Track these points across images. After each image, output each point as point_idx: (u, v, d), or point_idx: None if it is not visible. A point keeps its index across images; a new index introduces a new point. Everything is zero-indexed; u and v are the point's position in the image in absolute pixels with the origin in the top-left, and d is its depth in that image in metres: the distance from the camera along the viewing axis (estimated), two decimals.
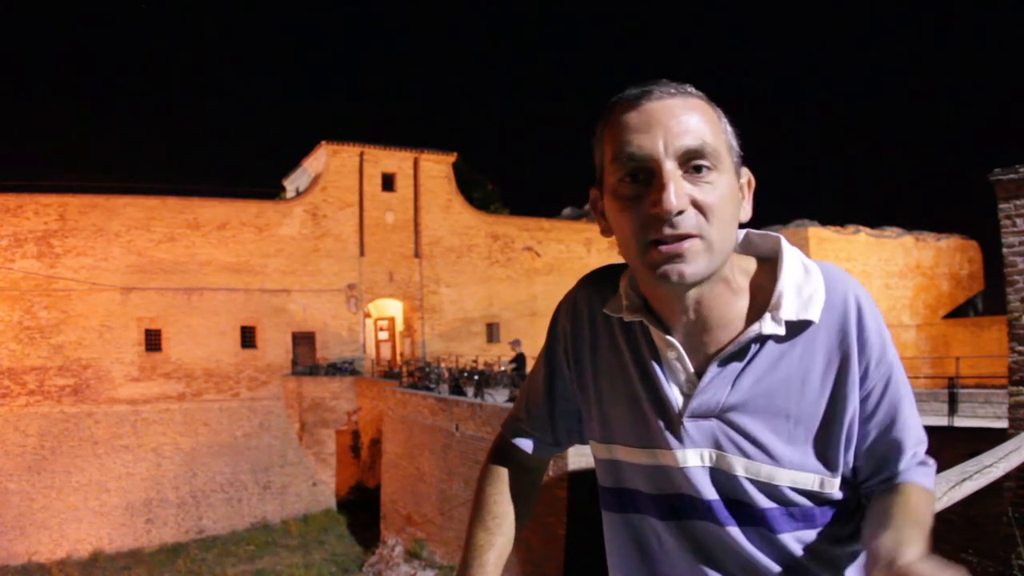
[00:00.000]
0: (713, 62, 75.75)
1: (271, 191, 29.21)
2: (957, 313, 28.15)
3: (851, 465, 0.94)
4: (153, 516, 21.38)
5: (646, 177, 0.86)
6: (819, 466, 0.91)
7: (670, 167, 0.85)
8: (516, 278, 28.42)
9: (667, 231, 0.84)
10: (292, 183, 29.51)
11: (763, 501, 0.91)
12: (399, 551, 17.43)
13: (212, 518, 21.97)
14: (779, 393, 0.91)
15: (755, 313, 0.93)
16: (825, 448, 0.92)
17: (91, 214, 21.94)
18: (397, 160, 26.47)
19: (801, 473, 0.91)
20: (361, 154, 25.75)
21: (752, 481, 0.91)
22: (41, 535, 20.17)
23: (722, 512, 0.93)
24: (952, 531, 7.45)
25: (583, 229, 30.06)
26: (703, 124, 0.87)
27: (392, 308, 27.73)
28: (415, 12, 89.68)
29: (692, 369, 0.94)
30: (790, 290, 0.92)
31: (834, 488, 0.92)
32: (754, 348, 0.92)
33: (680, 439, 0.94)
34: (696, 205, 0.85)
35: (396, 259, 26.19)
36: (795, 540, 0.92)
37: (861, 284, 0.96)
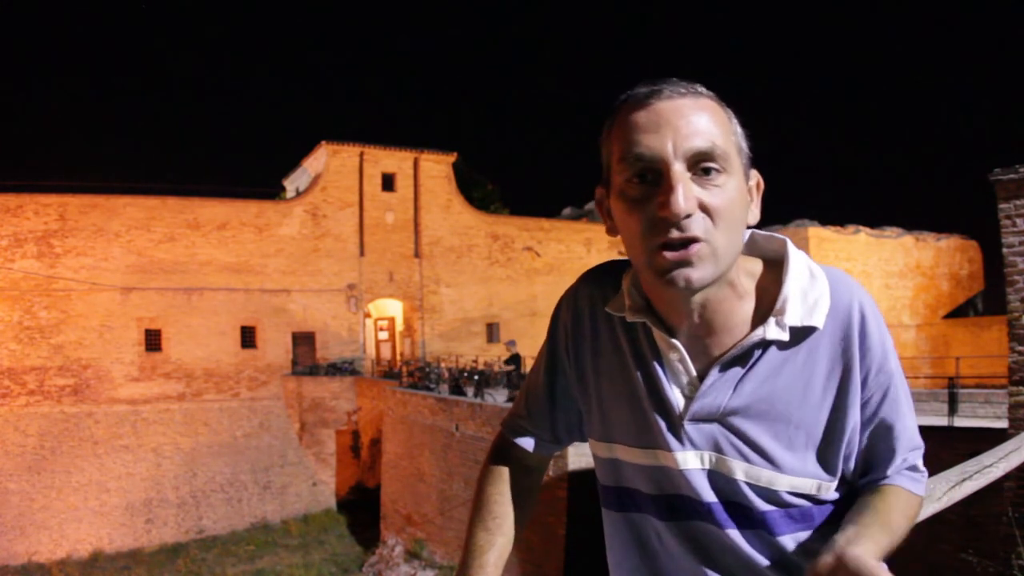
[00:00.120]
0: (713, 62, 75.76)
1: (271, 191, 29.25)
2: (957, 313, 28.14)
3: (849, 468, 0.94)
4: (153, 516, 21.38)
5: (654, 178, 0.85)
6: (819, 471, 0.92)
7: (679, 169, 0.84)
8: (516, 278, 28.42)
9: (674, 234, 0.83)
10: (292, 183, 29.51)
11: (762, 504, 0.92)
12: (399, 551, 17.43)
13: (212, 518, 21.97)
14: (781, 399, 0.91)
15: (759, 317, 0.93)
16: (825, 454, 0.92)
17: (91, 214, 21.93)
18: (397, 160, 26.46)
19: (800, 479, 0.91)
20: (361, 154, 25.75)
21: (751, 485, 0.91)
22: (41, 535, 20.16)
23: (721, 514, 0.93)
24: (952, 531, 7.44)
25: (583, 229, 30.06)
26: (713, 125, 0.86)
27: (392, 308, 27.73)
28: (415, 12, 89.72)
29: (694, 372, 0.94)
30: (795, 295, 0.91)
31: (830, 491, 0.93)
32: (757, 353, 0.92)
33: (680, 441, 0.94)
34: (704, 208, 0.84)
35: (396, 259, 26.19)
36: (793, 541, 0.92)
37: (865, 290, 0.95)
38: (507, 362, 17.17)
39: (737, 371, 0.92)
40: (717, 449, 0.93)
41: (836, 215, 43.58)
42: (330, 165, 25.36)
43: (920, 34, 75.95)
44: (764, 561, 0.92)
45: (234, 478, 22.54)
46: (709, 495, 0.93)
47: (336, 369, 24.44)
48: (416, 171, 26.70)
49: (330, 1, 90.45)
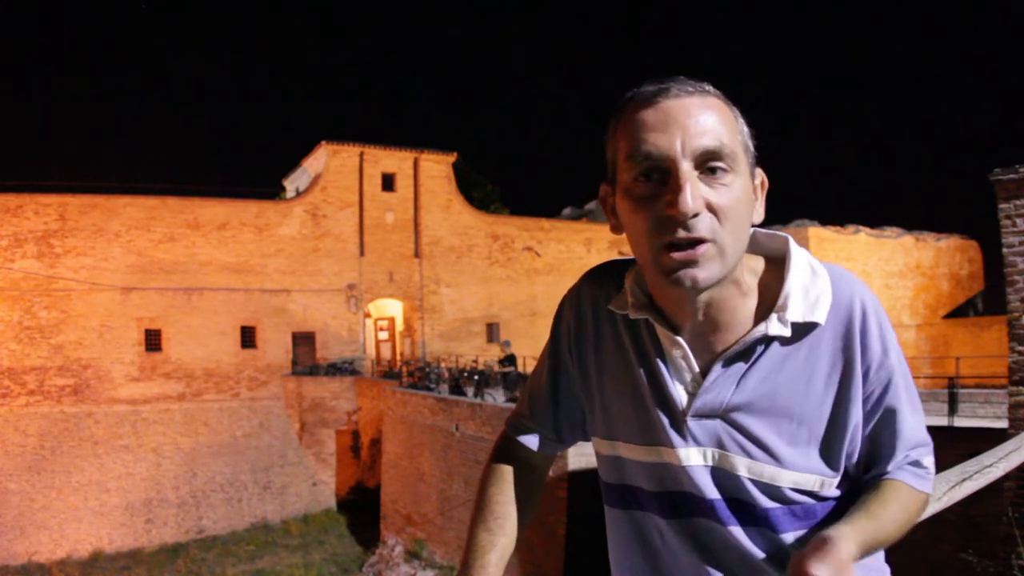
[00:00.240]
0: (713, 62, 75.77)
1: (271, 191, 29.25)
2: (957, 313, 28.14)
3: (851, 464, 0.94)
4: (153, 516, 21.37)
5: (661, 177, 0.85)
6: (822, 467, 0.92)
7: (686, 168, 0.83)
8: (516, 278, 28.41)
9: (681, 234, 0.83)
10: (292, 183, 29.51)
11: (765, 501, 0.92)
12: (399, 551, 17.43)
13: (212, 518, 21.96)
14: (783, 394, 0.91)
15: (762, 313, 0.93)
16: (828, 450, 0.92)
17: (91, 214, 21.93)
18: (397, 160, 26.46)
19: (803, 475, 0.91)
20: (361, 154, 25.74)
21: (754, 481, 0.91)
22: (41, 535, 20.16)
23: (724, 511, 0.93)
24: (952, 531, 7.44)
25: (583, 229, 30.06)
26: (721, 124, 0.86)
27: (392, 308, 27.72)
28: (415, 12, 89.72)
29: (697, 368, 0.94)
30: (797, 292, 0.92)
31: (833, 488, 0.93)
32: (759, 349, 0.92)
33: (683, 437, 0.94)
34: (711, 208, 0.84)
35: (396, 259, 26.19)
36: (796, 538, 0.92)
37: (868, 287, 0.95)
38: (502, 362, 17.16)
39: (740, 367, 0.92)
40: (720, 445, 0.93)
41: (836, 215, 43.56)
42: (330, 165, 25.36)
43: (920, 34, 76.02)
44: (767, 559, 0.92)
45: (234, 478, 22.53)
46: (712, 492, 0.93)
47: (336, 369, 24.44)
48: (416, 171, 26.69)
49: (330, 1, 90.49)
